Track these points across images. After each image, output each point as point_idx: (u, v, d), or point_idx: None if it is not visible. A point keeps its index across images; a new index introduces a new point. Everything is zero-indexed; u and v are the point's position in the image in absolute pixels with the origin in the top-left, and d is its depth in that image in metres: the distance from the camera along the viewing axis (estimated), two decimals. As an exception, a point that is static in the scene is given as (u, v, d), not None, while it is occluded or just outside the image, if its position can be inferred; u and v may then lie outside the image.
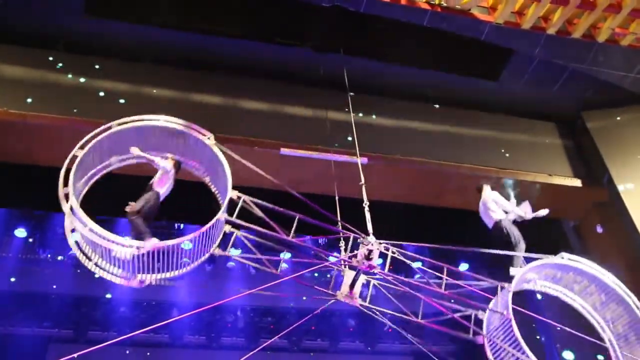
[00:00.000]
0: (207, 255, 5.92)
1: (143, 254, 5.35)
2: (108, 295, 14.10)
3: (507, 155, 11.66)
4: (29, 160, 10.17)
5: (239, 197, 6.13)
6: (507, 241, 6.99)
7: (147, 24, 10.14)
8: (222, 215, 5.99)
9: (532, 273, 6.68)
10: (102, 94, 9.97)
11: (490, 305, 6.52)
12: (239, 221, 6.05)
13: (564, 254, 6.69)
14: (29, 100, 9.44)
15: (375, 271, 6.02)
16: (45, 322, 13.94)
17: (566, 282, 6.91)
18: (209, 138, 6.22)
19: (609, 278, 6.71)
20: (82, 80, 10.02)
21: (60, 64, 9.99)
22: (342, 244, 6.47)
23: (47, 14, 9.79)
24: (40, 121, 9.40)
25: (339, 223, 6.50)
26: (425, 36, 10.26)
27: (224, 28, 10.39)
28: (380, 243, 5.91)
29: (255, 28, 10.51)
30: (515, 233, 7.03)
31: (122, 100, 10.01)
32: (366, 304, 6.22)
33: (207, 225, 5.71)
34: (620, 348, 6.59)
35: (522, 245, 6.92)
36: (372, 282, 6.48)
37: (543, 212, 7.16)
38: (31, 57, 9.90)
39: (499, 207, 7.18)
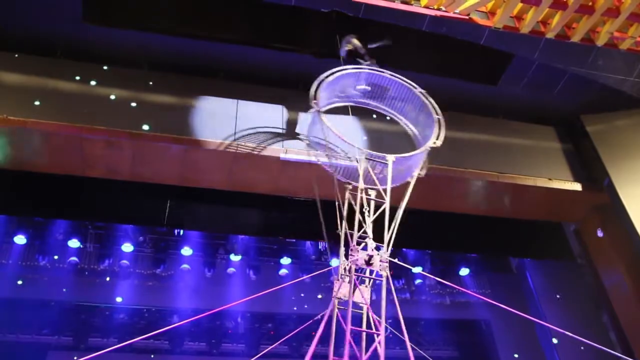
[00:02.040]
0: None
1: None
2: (119, 299, 14.08)
3: (507, 159, 11.65)
4: (29, 167, 10.17)
5: None
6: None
7: (145, 30, 10.15)
8: None
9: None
10: (101, 100, 9.97)
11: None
12: None
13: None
14: (37, 102, 9.45)
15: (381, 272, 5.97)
16: (45, 329, 13.90)
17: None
18: None
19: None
20: (81, 87, 10.02)
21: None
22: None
23: (45, 21, 9.78)
24: (40, 128, 9.39)
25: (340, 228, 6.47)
26: (424, 41, 10.27)
27: (223, 34, 10.39)
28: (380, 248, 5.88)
29: (255, 34, 10.52)
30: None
31: (133, 104, 10.03)
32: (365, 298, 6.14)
33: None
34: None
35: None
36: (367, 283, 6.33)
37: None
38: (30, 65, 9.90)
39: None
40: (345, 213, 6.58)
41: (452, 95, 11.77)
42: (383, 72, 8.13)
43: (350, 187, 6.91)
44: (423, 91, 8.11)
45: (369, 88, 8.16)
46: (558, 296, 13.78)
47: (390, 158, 7.05)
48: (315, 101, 7.36)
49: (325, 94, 7.70)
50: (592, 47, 10.52)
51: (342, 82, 7.98)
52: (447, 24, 9.89)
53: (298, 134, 9.06)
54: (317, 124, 7.53)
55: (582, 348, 12.22)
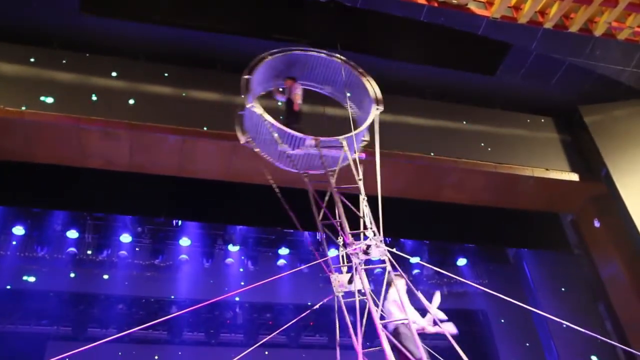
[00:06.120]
0: None
1: None
2: (117, 290, 14.07)
3: (504, 149, 11.68)
4: (27, 158, 10.16)
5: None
6: None
7: (143, 21, 10.11)
8: None
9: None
10: (98, 91, 9.95)
11: None
12: None
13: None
14: (34, 93, 9.43)
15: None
16: (44, 320, 13.94)
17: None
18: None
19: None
20: (78, 77, 9.99)
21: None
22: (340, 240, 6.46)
23: (42, 11, 9.74)
24: (37, 119, 9.38)
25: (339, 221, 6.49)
26: (422, 31, 10.25)
27: (221, 25, 10.36)
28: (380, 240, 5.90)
29: (253, 24, 10.49)
30: None
31: (131, 95, 10.00)
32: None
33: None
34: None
35: None
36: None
37: None
38: (27, 55, 9.87)
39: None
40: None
41: (449, 85, 11.80)
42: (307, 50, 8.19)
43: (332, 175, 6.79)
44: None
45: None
46: (563, 289, 13.81)
47: (343, 140, 6.91)
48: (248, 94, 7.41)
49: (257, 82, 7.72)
50: (590, 37, 10.51)
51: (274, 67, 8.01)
52: (445, 14, 9.86)
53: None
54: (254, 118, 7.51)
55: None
